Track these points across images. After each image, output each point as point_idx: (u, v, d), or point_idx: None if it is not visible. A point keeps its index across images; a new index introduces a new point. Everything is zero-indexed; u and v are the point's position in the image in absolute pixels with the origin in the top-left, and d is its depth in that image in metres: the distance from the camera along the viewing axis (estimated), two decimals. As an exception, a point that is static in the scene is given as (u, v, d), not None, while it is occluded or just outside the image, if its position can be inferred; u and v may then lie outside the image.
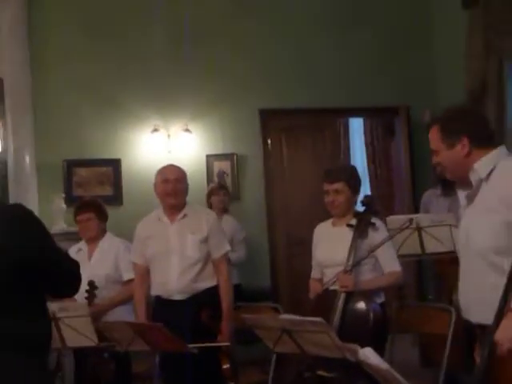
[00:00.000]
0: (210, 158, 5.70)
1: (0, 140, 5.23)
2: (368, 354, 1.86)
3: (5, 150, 5.21)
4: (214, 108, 5.68)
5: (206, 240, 3.41)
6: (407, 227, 3.53)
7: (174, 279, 3.38)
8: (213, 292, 3.41)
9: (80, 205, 3.93)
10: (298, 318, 2.55)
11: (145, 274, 3.50)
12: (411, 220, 3.55)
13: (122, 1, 5.60)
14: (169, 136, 5.56)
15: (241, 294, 3.90)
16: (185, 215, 3.46)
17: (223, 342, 3.25)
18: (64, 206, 5.09)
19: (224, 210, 4.92)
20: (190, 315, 3.26)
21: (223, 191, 5.09)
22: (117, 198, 5.45)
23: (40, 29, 5.39)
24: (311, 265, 3.35)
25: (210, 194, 5.03)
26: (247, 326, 2.83)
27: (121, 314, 3.59)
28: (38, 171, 5.25)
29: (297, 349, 2.59)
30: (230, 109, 5.72)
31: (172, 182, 3.44)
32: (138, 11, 5.57)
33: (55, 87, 5.41)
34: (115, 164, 5.53)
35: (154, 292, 3.48)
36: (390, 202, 6.53)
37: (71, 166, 5.39)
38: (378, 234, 3.08)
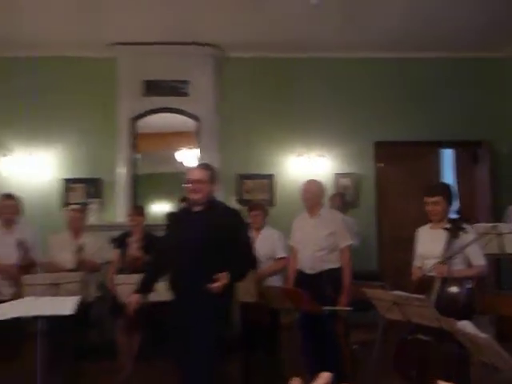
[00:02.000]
0: (337, 176, 5.75)
1: (196, 159, 5.60)
2: (466, 325, 1.83)
3: (200, 166, 5.55)
4: (341, 140, 5.76)
5: (333, 234, 3.50)
6: (491, 232, 3.38)
7: (307, 259, 3.50)
8: (336, 272, 3.47)
9: (253, 205, 4.13)
10: (405, 294, 2.56)
11: (296, 253, 3.64)
12: (495, 226, 3.39)
13: (272, 66, 5.79)
14: (309, 159, 5.67)
15: (353, 275, 3.90)
16: (320, 215, 3.56)
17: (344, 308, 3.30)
18: (238, 205, 5.33)
19: (342, 211, 4.84)
20: (316, 286, 3.31)
21: (334, 198, 5.03)
22: (271, 201, 5.61)
23: (225, 84, 5.69)
24: (409, 257, 3.29)
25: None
26: (364, 297, 2.86)
27: (273, 281, 3.72)
28: (221, 181, 5.56)
29: (403, 317, 2.59)
30: (353, 140, 5.76)
31: (304, 192, 3.61)
32: (287, 73, 5.75)
33: (234, 125, 5.66)
34: (271, 178, 5.71)
35: (297, 266, 3.60)
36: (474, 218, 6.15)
37: (242, 178, 5.65)
38: (467, 235, 2.98)
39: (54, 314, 2.57)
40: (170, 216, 3.11)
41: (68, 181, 5.49)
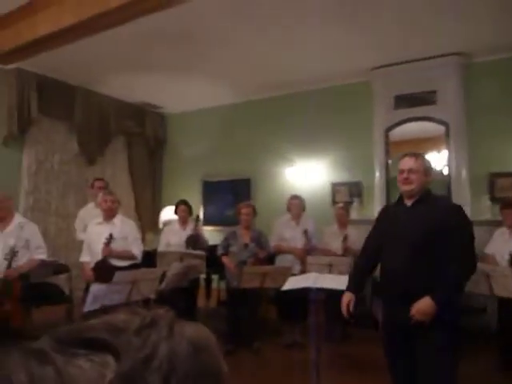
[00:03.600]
0: None
1: (445, 160, 5.30)
2: None
3: (449, 165, 5.24)
4: None
5: None
6: None
7: None
8: None
9: (507, 202, 3.68)
10: None
11: None
12: None
13: None
14: None
15: None
16: None
17: None
18: (489, 202, 4.84)
19: None
20: None
21: None
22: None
23: (471, 88, 5.19)
24: None
25: None
26: None
27: None
28: (470, 180, 5.12)
29: None
30: None
31: None
32: None
33: (483, 125, 5.08)
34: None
35: None
36: None
37: (494, 176, 5.01)
38: None
39: (334, 288, 2.90)
40: (382, 210, 2.52)
41: (335, 184, 5.99)
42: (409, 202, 2.26)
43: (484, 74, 5.18)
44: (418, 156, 2.27)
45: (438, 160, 5.59)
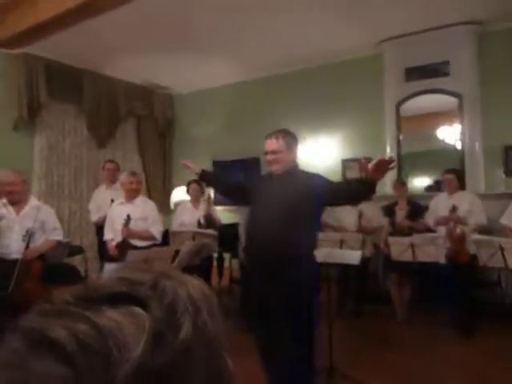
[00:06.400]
0: None
1: (458, 134, 5.20)
2: None
3: (462, 139, 5.14)
4: None
5: None
6: None
7: None
8: None
9: None
10: None
11: None
12: None
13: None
14: None
15: None
16: None
17: None
18: (503, 175, 4.75)
19: None
20: None
21: None
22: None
23: (486, 57, 5.00)
24: None
25: None
26: None
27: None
28: (484, 153, 5.02)
29: None
30: None
31: None
32: None
33: (498, 96, 4.93)
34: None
35: None
36: None
37: (508, 149, 4.88)
38: None
39: (346, 263, 2.92)
40: (255, 177, 2.79)
41: (346, 160, 5.92)
42: (276, 174, 2.45)
43: (499, 43, 4.99)
44: (279, 136, 2.42)
45: (451, 134, 5.49)
